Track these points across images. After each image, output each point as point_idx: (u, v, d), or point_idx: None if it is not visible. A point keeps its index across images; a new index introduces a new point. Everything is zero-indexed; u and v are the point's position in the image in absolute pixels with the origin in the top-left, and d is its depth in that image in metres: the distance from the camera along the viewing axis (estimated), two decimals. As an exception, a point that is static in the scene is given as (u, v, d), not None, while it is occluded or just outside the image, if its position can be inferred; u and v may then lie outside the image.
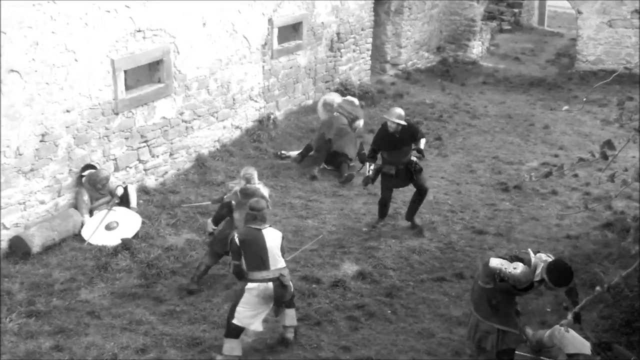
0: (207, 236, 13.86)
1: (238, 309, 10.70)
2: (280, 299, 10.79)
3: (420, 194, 15.33)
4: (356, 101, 19.31)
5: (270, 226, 10.96)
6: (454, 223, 15.70)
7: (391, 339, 11.56)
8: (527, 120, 22.49)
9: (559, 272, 9.66)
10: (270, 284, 10.68)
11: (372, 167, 15.26)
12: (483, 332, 10.21)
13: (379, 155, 15.23)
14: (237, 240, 10.64)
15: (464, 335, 11.48)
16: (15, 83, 13.01)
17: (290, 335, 11.29)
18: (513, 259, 9.98)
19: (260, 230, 10.76)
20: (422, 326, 11.86)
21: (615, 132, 20.99)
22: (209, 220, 13.39)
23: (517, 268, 9.69)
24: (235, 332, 10.75)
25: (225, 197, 13.52)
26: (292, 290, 11.09)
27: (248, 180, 12.86)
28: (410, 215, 15.43)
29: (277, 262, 10.86)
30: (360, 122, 18.93)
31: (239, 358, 10.75)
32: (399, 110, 15.27)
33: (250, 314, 10.74)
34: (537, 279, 9.73)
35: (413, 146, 15.12)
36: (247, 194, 12.47)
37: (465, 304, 12.33)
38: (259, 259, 10.68)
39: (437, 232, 15.20)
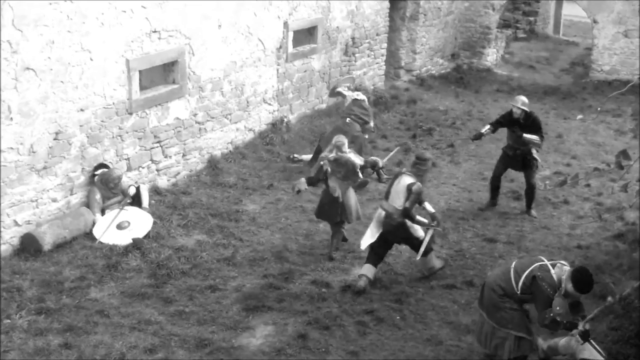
0: (295, 193, 14.84)
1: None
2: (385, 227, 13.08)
3: (530, 188, 16.67)
4: (365, 100, 19.04)
5: (410, 176, 12.92)
6: (465, 230, 15.68)
7: (399, 344, 11.55)
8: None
9: (585, 280, 9.81)
10: (383, 213, 13.05)
11: (487, 129, 16.94)
12: (499, 339, 10.27)
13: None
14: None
15: (472, 342, 11.48)
16: (31, 81, 13.05)
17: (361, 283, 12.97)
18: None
19: (402, 173, 13.07)
20: (430, 333, 11.84)
21: (629, 142, 20.95)
22: (303, 179, 14.36)
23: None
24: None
25: (322, 163, 14.29)
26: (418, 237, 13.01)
27: (339, 149, 14.08)
28: (527, 207, 16.82)
29: (396, 201, 12.92)
30: (371, 125, 18.86)
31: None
32: (524, 98, 16.49)
33: (369, 234, 13.20)
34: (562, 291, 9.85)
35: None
36: (340, 162, 13.98)
37: (474, 312, 12.31)
38: (387, 191, 13.17)
39: (448, 239, 15.18)
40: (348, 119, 18.14)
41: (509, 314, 10.24)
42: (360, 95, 18.91)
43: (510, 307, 10.26)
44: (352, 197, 14.48)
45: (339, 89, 18.94)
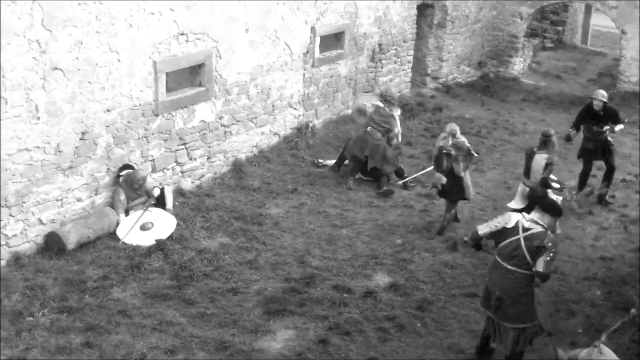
0: (435, 189, 16.30)
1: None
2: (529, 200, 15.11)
3: (610, 170, 18.07)
4: (383, 106, 19.06)
5: (542, 153, 15.13)
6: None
7: (420, 352, 11.54)
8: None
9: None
10: (527, 188, 15.32)
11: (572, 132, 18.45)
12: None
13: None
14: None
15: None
16: (58, 81, 13.13)
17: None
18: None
19: (535, 152, 15.28)
20: (451, 341, 11.82)
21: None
22: (439, 175, 15.91)
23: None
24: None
25: (441, 149, 15.91)
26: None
27: (453, 135, 15.90)
28: (607, 188, 18.10)
29: (537, 176, 15.16)
30: (397, 131, 18.80)
31: None
32: (603, 91, 18.15)
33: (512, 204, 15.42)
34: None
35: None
36: (458, 146, 15.78)
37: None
38: (525, 170, 15.46)
39: (471, 247, 15.11)
40: (369, 128, 18.19)
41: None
42: (381, 104, 18.93)
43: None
44: (469, 177, 16.27)
45: (362, 107, 18.96)
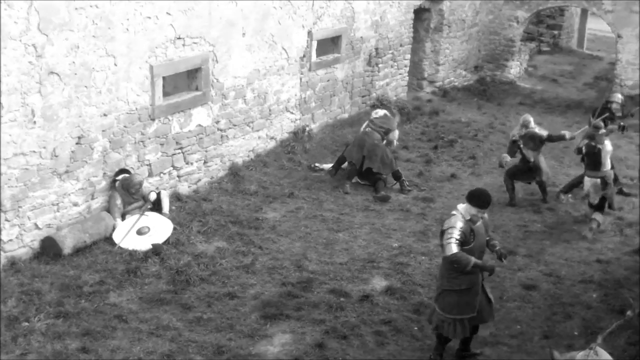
0: (501, 166, 18.38)
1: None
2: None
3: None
4: (387, 112, 19.25)
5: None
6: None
7: (417, 355, 11.53)
8: (562, 143, 22.33)
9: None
10: (598, 180, 16.15)
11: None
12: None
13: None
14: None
15: (489, 355, 11.46)
16: (55, 85, 13.13)
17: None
18: None
19: (597, 146, 16.11)
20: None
21: (652, 157, 20.89)
22: (505, 154, 18.18)
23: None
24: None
25: (512, 139, 18.06)
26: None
27: (526, 125, 17.69)
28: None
29: (605, 166, 16.18)
30: (395, 134, 18.88)
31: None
32: (619, 94, 19.57)
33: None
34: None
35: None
36: (528, 136, 17.62)
37: (492, 324, 12.28)
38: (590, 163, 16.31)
39: (468, 251, 15.13)
40: (368, 129, 18.32)
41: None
42: (381, 111, 19.10)
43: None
44: (543, 161, 18.07)
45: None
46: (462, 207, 10.76)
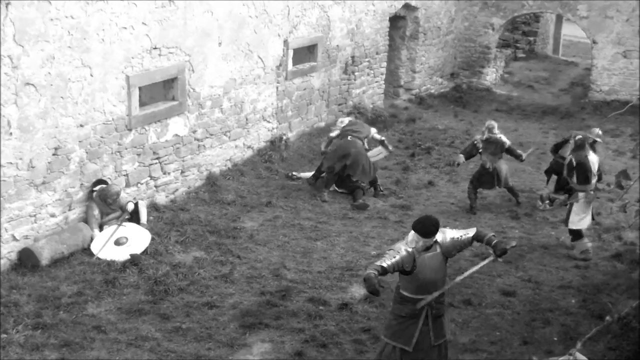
0: (455, 166, 19.00)
1: (572, 218, 15.51)
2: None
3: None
4: (350, 118, 19.61)
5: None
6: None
7: (396, 363, 11.52)
8: (539, 149, 22.43)
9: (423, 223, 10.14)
10: (593, 193, 15.57)
11: None
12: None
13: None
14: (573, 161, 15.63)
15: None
16: (31, 96, 13.08)
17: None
18: None
19: (587, 156, 15.58)
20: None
21: (627, 162, 20.99)
22: (460, 154, 18.31)
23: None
24: (578, 235, 15.56)
25: (474, 141, 18.23)
26: None
27: (490, 130, 17.76)
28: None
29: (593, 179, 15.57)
30: (373, 130, 19.08)
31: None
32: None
33: (578, 218, 15.43)
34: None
35: None
36: (490, 141, 17.70)
37: (472, 331, 12.31)
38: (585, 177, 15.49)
39: (446, 257, 15.16)
40: (349, 137, 18.26)
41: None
42: (346, 119, 19.20)
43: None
44: (503, 167, 18.02)
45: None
46: (411, 234, 10.12)
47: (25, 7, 12.72)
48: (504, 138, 17.95)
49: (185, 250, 14.65)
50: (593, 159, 15.75)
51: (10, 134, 12.85)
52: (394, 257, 9.96)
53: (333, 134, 18.66)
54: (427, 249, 10.08)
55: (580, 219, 15.55)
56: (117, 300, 12.72)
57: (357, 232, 16.27)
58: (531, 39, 36.78)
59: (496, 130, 17.81)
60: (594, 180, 15.64)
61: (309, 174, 18.82)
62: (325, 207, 17.48)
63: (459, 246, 10.37)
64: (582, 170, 15.52)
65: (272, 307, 12.79)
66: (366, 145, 18.65)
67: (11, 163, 12.98)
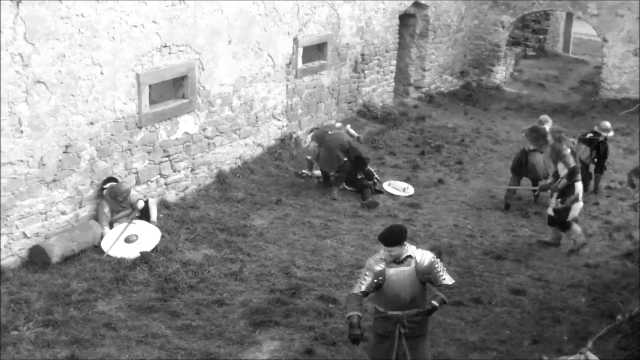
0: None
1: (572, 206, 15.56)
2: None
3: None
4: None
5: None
6: (473, 248, 15.68)
7: (406, 361, 11.52)
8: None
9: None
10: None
11: None
12: None
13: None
14: None
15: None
16: (41, 94, 13.11)
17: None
18: None
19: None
20: (437, 350, 11.80)
21: (637, 161, 20.92)
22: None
23: None
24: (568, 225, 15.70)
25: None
26: None
27: (540, 122, 18.55)
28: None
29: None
30: (348, 127, 19.18)
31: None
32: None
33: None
34: None
35: None
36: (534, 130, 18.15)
37: (481, 329, 12.30)
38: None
39: (456, 256, 15.17)
40: (333, 132, 18.30)
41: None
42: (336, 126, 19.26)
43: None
44: (538, 158, 17.99)
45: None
46: (381, 250, 9.82)
47: (36, 5, 12.75)
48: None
49: (195, 248, 14.66)
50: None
51: (21, 131, 12.88)
52: (367, 276, 9.75)
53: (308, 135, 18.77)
54: (398, 262, 9.72)
55: (576, 207, 15.74)
56: (127, 298, 12.73)
57: (366, 230, 16.28)
58: (541, 37, 36.74)
59: (546, 125, 18.27)
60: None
61: (318, 172, 18.80)
62: (335, 205, 17.48)
63: (431, 276, 9.83)
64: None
65: (281, 304, 12.80)
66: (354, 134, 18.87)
67: (22, 161, 13.01)
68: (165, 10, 15.37)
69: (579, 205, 15.71)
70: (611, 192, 19.04)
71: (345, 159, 17.97)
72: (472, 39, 29.57)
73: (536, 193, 18.06)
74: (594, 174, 18.90)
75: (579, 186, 15.59)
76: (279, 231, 15.85)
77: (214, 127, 17.38)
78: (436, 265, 9.85)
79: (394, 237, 9.64)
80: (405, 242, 9.74)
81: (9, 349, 10.97)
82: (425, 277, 9.82)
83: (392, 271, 9.70)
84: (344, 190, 18.33)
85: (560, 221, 15.68)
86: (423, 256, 9.82)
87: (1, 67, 12.36)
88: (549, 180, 16.23)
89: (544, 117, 18.95)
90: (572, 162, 15.35)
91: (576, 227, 15.71)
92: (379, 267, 9.72)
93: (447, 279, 9.97)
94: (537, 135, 17.68)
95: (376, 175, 18.90)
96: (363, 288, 9.73)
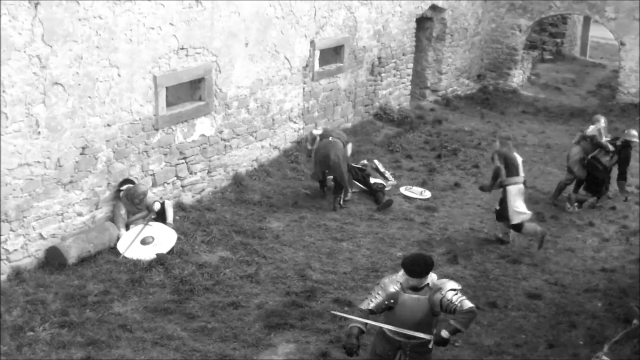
0: None
1: (512, 214, 15.75)
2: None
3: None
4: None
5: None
6: (488, 252, 15.64)
7: (421, 365, 11.50)
8: (566, 151, 22.26)
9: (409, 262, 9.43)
10: (522, 185, 15.92)
11: None
12: None
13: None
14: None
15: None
16: (59, 96, 13.16)
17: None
18: None
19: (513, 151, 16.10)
20: (452, 354, 11.80)
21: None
22: None
23: None
24: (520, 227, 15.89)
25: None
26: None
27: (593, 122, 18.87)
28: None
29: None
30: (350, 146, 18.33)
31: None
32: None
33: (518, 212, 15.74)
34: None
35: None
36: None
37: (497, 333, 12.27)
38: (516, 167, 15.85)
39: (472, 260, 15.14)
40: (331, 138, 17.64)
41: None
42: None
43: None
44: (574, 150, 18.64)
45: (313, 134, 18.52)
46: (400, 272, 9.49)
47: (54, 7, 12.80)
48: (591, 127, 18.65)
49: (211, 250, 14.69)
50: (517, 156, 16.23)
51: (39, 133, 12.93)
52: (379, 296, 9.40)
53: (316, 132, 18.42)
54: (415, 289, 9.38)
55: (521, 213, 15.84)
56: (143, 300, 12.76)
57: (382, 233, 16.26)
58: (558, 40, 36.61)
59: (594, 124, 18.67)
60: (522, 174, 15.98)
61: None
62: (350, 208, 17.46)
63: (445, 308, 9.33)
64: (512, 164, 15.86)
65: (297, 307, 12.80)
66: (348, 152, 18.13)
67: (39, 162, 13.06)
68: (183, 12, 15.40)
69: (527, 212, 16.02)
70: (628, 196, 18.96)
71: (328, 166, 17.44)
72: (489, 43, 29.50)
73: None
74: (617, 181, 18.76)
75: (511, 189, 15.85)
76: (295, 234, 15.86)
77: (230, 130, 17.40)
78: (454, 299, 9.27)
79: (417, 269, 9.32)
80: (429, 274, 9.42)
81: (24, 349, 11.02)
82: (437, 309, 9.38)
83: (407, 297, 9.37)
84: (360, 193, 18.29)
85: (504, 218, 16.02)
86: (441, 285, 9.41)
87: (19, 69, 12.43)
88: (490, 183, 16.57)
89: (596, 116, 19.29)
90: (496, 164, 16.03)
91: (528, 226, 15.94)
92: (392, 289, 9.38)
93: (465, 305, 9.30)
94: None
95: (387, 175, 18.90)
96: (371, 306, 9.44)
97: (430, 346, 9.55)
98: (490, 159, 16.88)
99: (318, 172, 17.67)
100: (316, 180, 18.00)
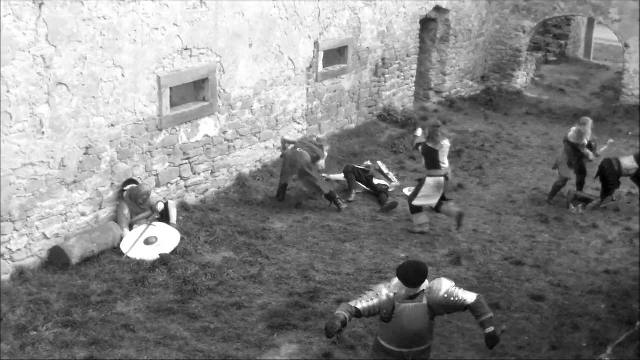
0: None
1: (418, 196, 16.16)
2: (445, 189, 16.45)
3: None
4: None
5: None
6: (492, 253, 15.62)
7: (424, 366, 11.49)
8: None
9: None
10: (442, 178, 16.08)
11: None
12: None
13: None
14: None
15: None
16: (63, 96, 13.18)
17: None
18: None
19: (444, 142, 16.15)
20: (455, 355, 11.80)
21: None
22: None
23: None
24: (417, 209, 16.31)
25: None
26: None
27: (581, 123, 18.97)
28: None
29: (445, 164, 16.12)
30: (322, 163, 18.00)
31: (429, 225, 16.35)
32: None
33: (425, 197, 16.16)
34: None
35: None
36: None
37: (500, 335, 12.25)
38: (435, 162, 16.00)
39: (475, 261, 15.13)
40: (299, 149, 17.42)
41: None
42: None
43: None
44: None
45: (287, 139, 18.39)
46: (396, 279, 9.22)
47: (58, 7, 12.83)
48: (572, 130, 18.95)
49: (214, 251, 14.69)
50: (445, 147, 16.24)
51: (43, 133, 12.95)
52: (371, 300, 9.13)
53: (287, 137, 18.46)
54: (411, 298, 9.13)
55: (427, 198, 16.24)
56: (146, 300, 12.78)
57: (386, 234, 16.26)
58: (562, 42, 36.56)
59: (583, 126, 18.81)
60: (445, 167, 16.18)
61: (339, 176, 18.74)
62: (354, 209, 17.47)
63: (450, 307, 9.20)
64: (431, 157, 16.04)
65: (300, 308, 12.80)
66: (322, 165, 17.98)
67: (43, 162, 13.09)
68: (187, 13, 15.42)
69: (434, 201, 16.32)
70: (632, 199, 18.94)
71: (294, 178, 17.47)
72: (493, 44, 29.46)
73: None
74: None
75: (429, 182, 16.18)
76: (299, 234, 15.86)
77: (234, 130, 17.41)
78: (450, 294, 9.09)
79: (413, 279, 9.08)
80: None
81: (28, 349, 11.04)
82: (442, 311, 9.26)
83: (404, 306, 9.11)
84: (364, 195, 18.30)
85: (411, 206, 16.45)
86: (437, 286, 9.17)
87: (23, 69, 12.45)
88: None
89: (583, 119, 19.29)
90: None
91: (420, 217, 16.47)
92: (386, 297, 9.10)
93: (470, 297, 9.17)
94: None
95: (390, 176, 18.94)
96: (359, 306, 9.18)
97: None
98: (414, 147, 17.07)
99: (284, 177, 17.49)
100: (279, 185, 17.68)
